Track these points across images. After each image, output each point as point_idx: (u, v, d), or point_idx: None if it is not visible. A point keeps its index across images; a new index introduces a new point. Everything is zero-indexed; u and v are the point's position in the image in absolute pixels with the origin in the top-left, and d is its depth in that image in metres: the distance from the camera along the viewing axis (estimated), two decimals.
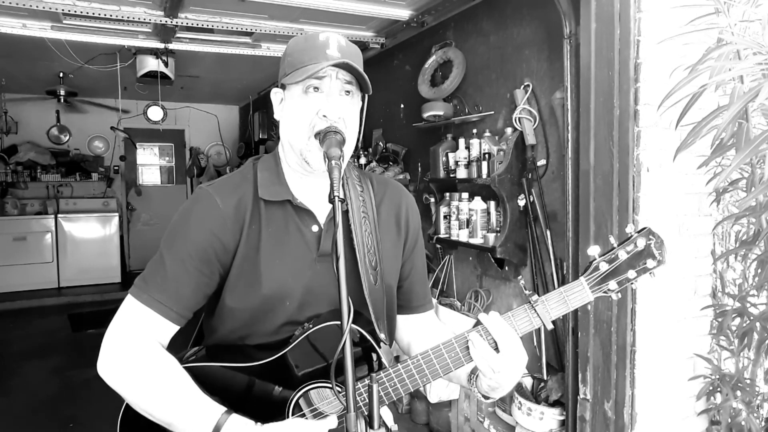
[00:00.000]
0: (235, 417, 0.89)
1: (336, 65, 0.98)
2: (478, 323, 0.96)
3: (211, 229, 0.99)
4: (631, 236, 0.96)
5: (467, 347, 0.95)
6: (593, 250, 0.96)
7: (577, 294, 0.95)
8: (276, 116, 1.09)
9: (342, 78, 1.00)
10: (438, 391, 2.87)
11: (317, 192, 1.08)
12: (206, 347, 1.12)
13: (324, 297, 1.05)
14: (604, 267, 0.95)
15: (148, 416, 0.92)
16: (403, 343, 1.24)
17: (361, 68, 1.01)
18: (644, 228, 0.96)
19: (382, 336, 1.06)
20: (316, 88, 0.99)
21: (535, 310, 0.95)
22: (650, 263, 0.94)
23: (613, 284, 0.95)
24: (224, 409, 0.90)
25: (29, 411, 3.51)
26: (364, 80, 1.02)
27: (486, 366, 0.93)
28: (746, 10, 1.62)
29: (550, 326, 0.96)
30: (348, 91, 1.01)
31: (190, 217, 1.01)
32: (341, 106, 1.00)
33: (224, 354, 1.04)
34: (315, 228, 1.06)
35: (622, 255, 0.95)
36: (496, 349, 0.93)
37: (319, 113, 0.98)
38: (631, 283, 0.96)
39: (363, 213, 1.10)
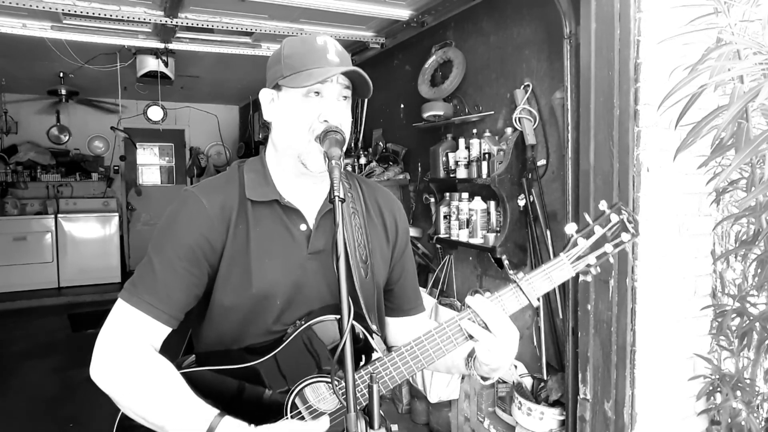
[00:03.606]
0: (228, 419, 0.89)
1: (345, 73, 1.00)
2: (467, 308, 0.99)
3: (198, 229, 1.00)
4: (605, 212, 1.00)
5: (459, 330, 0.98)
6: (570, 228, 1.00)
7: (558, 270, 1.00)
8: (266, 117, 1.09)
9: (342, 83, 1.03)
10: (438, 391, 2.87)
11: (306, 191, 1.09)
12: (198, 354, 1.12)
13: (314, 295, 1.06)
14: (582, 243, 0.99)
15: (141, 421, 0.92)
16: (397, 346, 1.24)
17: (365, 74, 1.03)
18: (615, 203, 1.01)
19: (374, 327, 1.08)
20: (317, 93, 1.01)
21: (521, 288, 0.98)
22: (625, 237, 0.99)
23: (592, 259, 0.99)
24: (217, 411, 0.90)
25: (29, 411, 3.51)
26: (365, 84, 1.04)
27: (481, 347, 0.97)
28: (746, 10, 1.62)
29: (536, 303, 0.99)
30: (345, 96, 1.04)
31: (176, 219, 1.02)
32: (341, 112, 1.02)
33: (217, 359, 1.04)
34: (303, 227, 1.07)
35: (598, 230, 0.99)
36: (487, 329, 0.96)
37: (320, 117, 1.00)
38: (609, 257, 1.00)
39: (353, 209, 1.12)
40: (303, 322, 1.01)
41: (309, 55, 1.00)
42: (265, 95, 1.08)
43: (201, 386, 0.96)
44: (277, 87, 1.05)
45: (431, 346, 0.97)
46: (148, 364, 0.93)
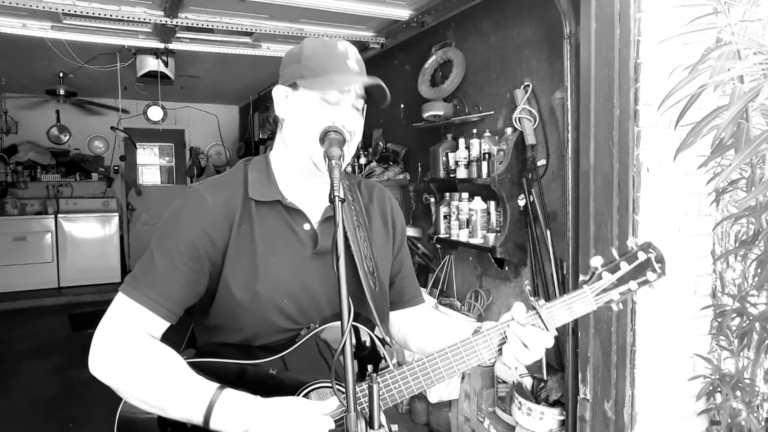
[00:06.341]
0: (229, 391, 0.89)
1: (365, 84, 1.01)
2: (477, 330, 0.99)
3: (200, 225, 1.00)
4: (633, 250, 0.98)
5: (476, 349, 0.97)
6: (596, 261, 0.99)
7: (581, 302, 0.97)
8: (279, 113, 1.08)
9: (358, 92, 1.03)
10: (438, 391, 2.87)
11: (309, 192, 1.09)
12: (200, 349, 1.11)
13: (323, 298, 1.07)
14: (606, 277, 0.97)
15: (142, 405, 0.92)
16: (398, 337, 1.25)
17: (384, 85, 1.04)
18: (645, 242, 0.99)
19: (387, 339, 1.07)
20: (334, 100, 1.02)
21: (539, 316, 0.97)
22: (650, 276, 0.98)
23: (615, 294, 0.98)
24: (217, 384, 0.89)
25: (29, 411, 3.51)
26: (383, 95, 1.04)
27: (513, 360, 0.98)
28: (746, 10, 1.62)
29: (553, 333, 0.97)
30: (359, 106, 1.04)
31: (180, 215, 1.02)
32: (354, 120, 1.03)
33: (225, 352, 1.04)
34: (307, 227, 1.07)
35: (624, 267, 0.97)
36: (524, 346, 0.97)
37: (334, 124, 0.99)
38: (632, 294, 0.99)
39: (357, 221, 1.12)
40: (317, 326, 1.02)
41: (330, 59, 1.00)
42: (280, 91, 1.07)
43: (207, 377, 0.95)
44: (293, 86, 1.05)
45: (444, 364, 0.97)
46: (145, 348, 0.93)
